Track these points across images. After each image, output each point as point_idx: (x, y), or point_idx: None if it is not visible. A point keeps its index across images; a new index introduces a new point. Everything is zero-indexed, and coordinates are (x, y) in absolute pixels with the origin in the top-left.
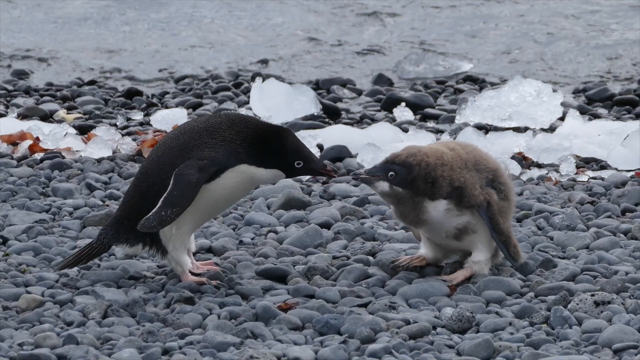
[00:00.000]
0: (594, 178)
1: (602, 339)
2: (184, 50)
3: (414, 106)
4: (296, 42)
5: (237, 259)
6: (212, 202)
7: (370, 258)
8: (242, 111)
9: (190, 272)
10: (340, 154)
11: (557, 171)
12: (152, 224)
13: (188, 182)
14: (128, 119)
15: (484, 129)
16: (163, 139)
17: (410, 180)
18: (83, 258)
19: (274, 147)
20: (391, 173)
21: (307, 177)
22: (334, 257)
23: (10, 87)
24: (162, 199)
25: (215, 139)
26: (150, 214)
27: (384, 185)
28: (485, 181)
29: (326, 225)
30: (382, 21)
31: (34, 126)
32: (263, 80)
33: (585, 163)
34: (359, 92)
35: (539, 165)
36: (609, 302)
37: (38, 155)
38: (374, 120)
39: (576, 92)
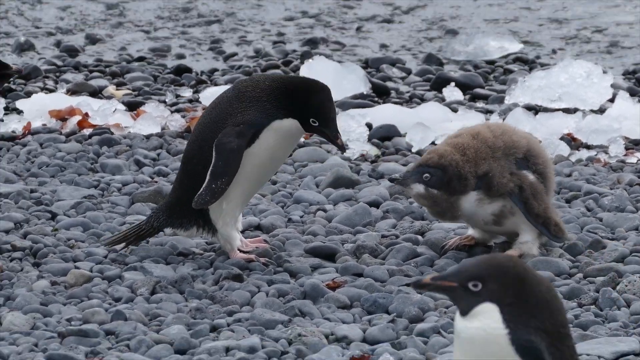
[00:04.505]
0: None
1: None
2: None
3: (464, 86)
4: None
5: (285, 237)
6: (257, 167)
7: (419, 237)
8: None
9: (238, 249)
10: (389, 133)
11: (606, 152)
12: (205, 199)
13: (230, 150)
14: (177, 96)
15: (534, 109)
16: (199, 119)
17: (446, 181)
18: (130, 238)
19: (300, 98)
20: (426, 175)
21: (355, 155)
22: (383, 236)
23: (59, 63)
24: (209, 172)
25: (244, 102)
26: (201, 190)
27: (419, 188)
28: (515, 165)
29: (375, 204)
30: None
31: (83, 102)
32: (312, 59)
33: (634, 145)
34: (408, 72)
35: (588, 147)
36: None
37: (87, 131)
38: (423, 99)
39: (626, 74)
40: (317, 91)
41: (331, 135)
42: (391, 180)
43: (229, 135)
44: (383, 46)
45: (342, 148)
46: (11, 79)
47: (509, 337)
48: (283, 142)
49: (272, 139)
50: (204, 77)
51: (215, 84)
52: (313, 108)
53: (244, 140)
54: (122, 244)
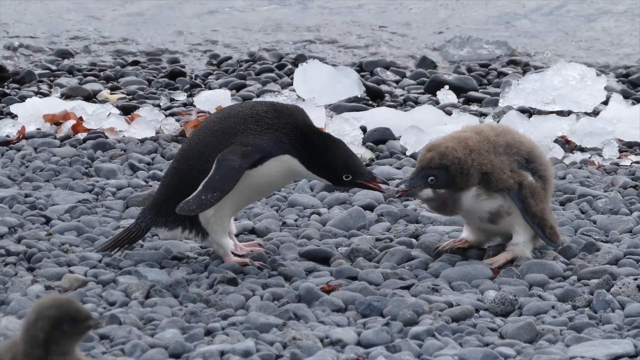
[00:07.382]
0: (637, 162)
1: None
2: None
3: (458, 89)
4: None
5: (280, 240)
6: (252, 189)
7: (413, 240)
8: (286, 92)
9: (233, 253)
10: (383, 136)
11: (600, 155)
12: (191, 208)
13: (231, 168)
14: (171, 100)
15: (528, 112)
16: (205, 122)
17: (450, 180)
18: (122, 242)
19: (324, 156)
20: (431, 178)
21: None
22: (377, 239)
23: (53, 67)
24: (203, 182)
25: (260, 126)
26: (190, 197)
27: (427, 193)
28: (517, 164)
29: (369, 208)
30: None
31: (78, 106)
32: (306, 62)
33: (628, 147)
34: (403, 75)
35: (582, 149)
36: None
37: (81, 135)
38: (417, 102)
39: (620, 76)
40: (337, 146)
41: (369, 180)
42: (398, 194)
43: (234, 153)
44: (376, 51)
45: (385, 184)
46: (7, 82)
47: None
48: (284, 175)
49: (276, 169)
50: (198, 81)
51: (210, 88)
52: (341, 164)
53: (247, 162)
54: (116, 249)
